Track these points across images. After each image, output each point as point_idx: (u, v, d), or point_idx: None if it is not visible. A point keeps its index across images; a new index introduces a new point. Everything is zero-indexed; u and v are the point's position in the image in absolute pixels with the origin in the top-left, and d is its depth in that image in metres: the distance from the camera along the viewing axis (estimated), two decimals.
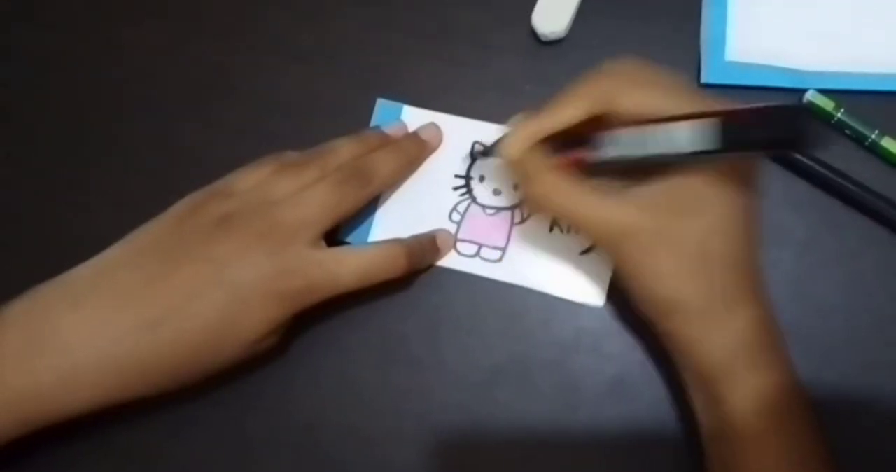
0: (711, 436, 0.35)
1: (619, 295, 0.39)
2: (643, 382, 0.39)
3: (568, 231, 0.40)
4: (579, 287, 0.40)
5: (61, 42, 0.46)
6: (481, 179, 0.41)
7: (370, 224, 0.41)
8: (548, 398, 0.39)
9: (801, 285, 0.40)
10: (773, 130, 0.28)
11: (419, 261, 0.39)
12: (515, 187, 0.41)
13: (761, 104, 0.29)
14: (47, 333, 0.34)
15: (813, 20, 0.41)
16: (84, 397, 0.34)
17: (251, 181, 0.37)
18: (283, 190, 0.36)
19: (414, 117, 0.42)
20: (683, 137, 0.30)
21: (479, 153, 0.41)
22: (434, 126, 0.41)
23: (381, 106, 0.42)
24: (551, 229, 0.40)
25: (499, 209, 0.41)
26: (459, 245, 0.41)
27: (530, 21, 0.42)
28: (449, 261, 0.41)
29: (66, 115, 0.45)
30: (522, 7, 0.42)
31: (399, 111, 0.42)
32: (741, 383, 0.33)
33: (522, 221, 0.41)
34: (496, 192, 0.41)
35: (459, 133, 0.41)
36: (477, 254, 0.41)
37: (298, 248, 0.36)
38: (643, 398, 0.39)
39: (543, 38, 0.42)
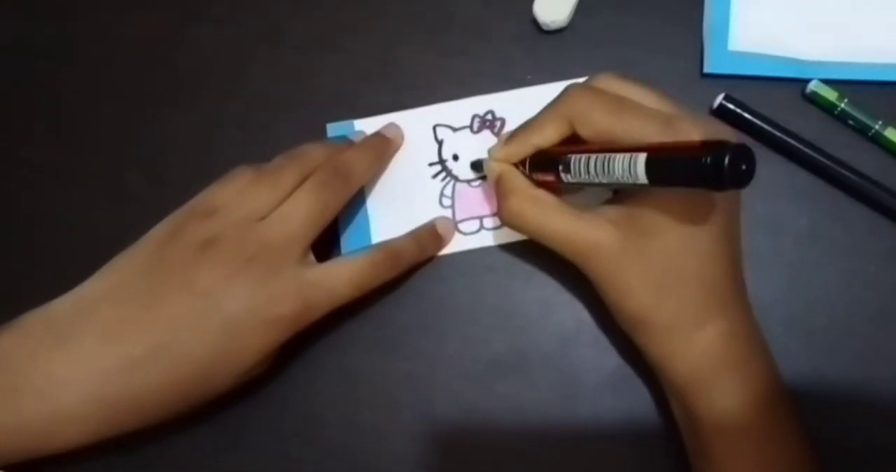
0: (689, 443, 0.35)
1: None
2: (643, 374, 0.39)
3: None
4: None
5: (52, 33, 0.45)
6: (455, 157, 0.41)
7: (368, 232, 0.41)
8: (548, 389, 0.39)
9: (803, 276, 0.39)
10: (696, 168, 0.27)
11: (416, 256, 0.39)
12: (490, 153, 0.41)
13: (699, 140, 0.28)
14: (32, 374, 0.33)
15: (817, 9, 0.41)
16: (71, 435, 0.33)
17: (229, 195, 0.36)
18: (265, 202, 0.35)
19: (368, 126, 0.42)
20: (618, 170, 0.30)
21: (472, 166, 0.41)
22: (393, 125, 0.41)
23: (333, 128, 0.42)
24: None
25: (483, 178, 0.41)
26: (461, 226, 0.41)
27: (531, 10, 0.42)
28: (456, 245, 0.41)
29: (58, 107, 0.44)
30: None
31: (351, 127, 0.42)
32: (709, 398, 0.33)
33: None
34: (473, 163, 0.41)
35: (418, 124, 0.42)
36: (480, 228, 0.41)
37: (289, 269, 0.35)
38: (643, 391, 0.39)
39: (545, 28, 0.42)
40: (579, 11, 0.42)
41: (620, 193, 0.35)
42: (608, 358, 0.39)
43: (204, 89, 0.44)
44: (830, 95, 0.39)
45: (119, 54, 0.45)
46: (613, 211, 0.34)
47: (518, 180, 0.36)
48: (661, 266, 0.33)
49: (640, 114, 0.32)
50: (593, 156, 0.31)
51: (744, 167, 0.27)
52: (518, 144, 0.36)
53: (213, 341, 0.34)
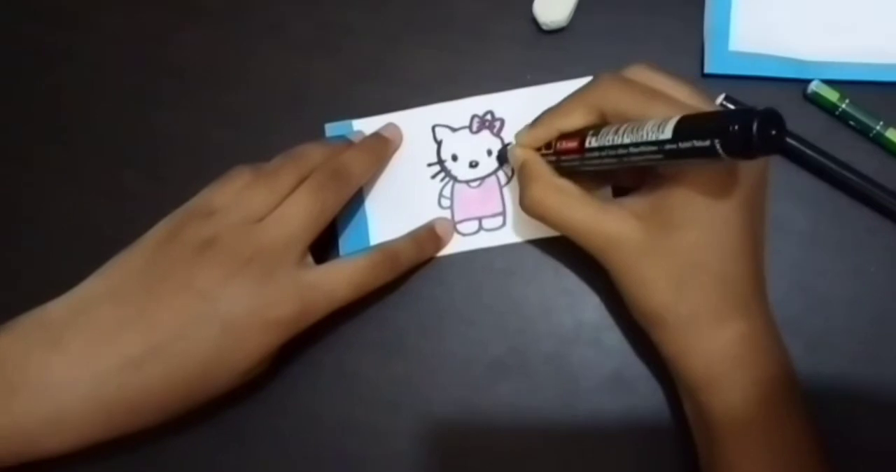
0: (699, 440, 0.35)
1: None
2: (643, 375, 0.39)
3: None
4: None
5: (56, 27, 0.45)
6: (454, 158, 0.41)
7: (367, 234, 0.41)
8: (547, 390, 0.39)
9: (804, 276, 0.39)
10: (722, 124, 0.27)
11: (415, 257, 0.39)
12: (489, 153, 0.41)
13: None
14: (28, 376, 0.33)
15: (818, 9, 0.41)
16: (68, 438, 0.33)
17: (227, 195, 0.36)
18: (263, 203, 0.35)
19: (367, 126, 0.42)
20: (648, 128, 0.30)
21: (498, 158, 0.41)
22: (392, 125, 0.41)
23: (331, 128, 0.42)
24: None
25: (482, 179, 0.41)
26: (460, 227, 0.41)
27: (531, 10, 0.41)
28: (455, 246, 0.40)
29: (57, 105, 0.44)
30: None
31: (350, 127, 0.42)
32: (724, 397, 0.33)
33: (508, 180, 0.41)
34: (472, 164, 0.41)
35: (417, 124, 0.42)
36: (479, 229, 0.41)
37: (288, 270, 0.35)
38: (643, 391, 0.39)
39: (545, 28, 0.42)
40: (579, 11, 0.42)
41: (645, 186, 0.34)
42: (608, 359, 0.39)
43: (202, 87, 0.44)
44: (832, 95, 0.39)
45: (117, 52, 0.45)
46: (637, 203, 0.33)
47: (542, 169, 0.35)
48: (683, 262, 0.32)
49: (672, 105, 0.31)
50: (626, 123, 0.31)
51: (773, 132, 0.26)
52: (543, 127, 0.35)
53: (212, 342, 0.33)
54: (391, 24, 0.43)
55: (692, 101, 0.32)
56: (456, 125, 0.41)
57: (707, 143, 0.27)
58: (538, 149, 0.36)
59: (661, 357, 0.35)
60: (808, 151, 0.39)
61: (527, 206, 0.35)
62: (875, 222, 0.39)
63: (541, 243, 0.40)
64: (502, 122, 0.41)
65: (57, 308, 0.35)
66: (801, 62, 0.40)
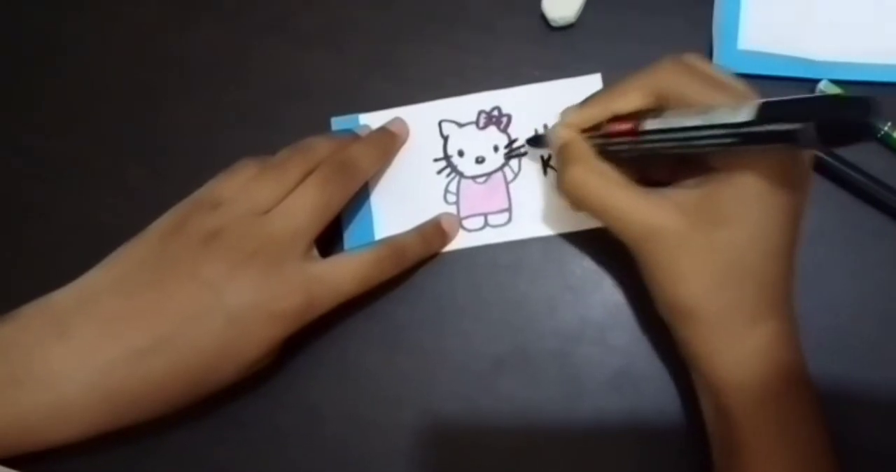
0: (716, 442, 0.34)
1: (625, 286, 0.39)
2: (648, 374, 0.39)
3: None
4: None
5: (60, 20, 0.45)
6: (460, 153, 0.41)
7: (372, 228, 0.41)
8: (551, 388, 0.39)
9: (811, 277, 0.39)
10: (811, 108, 0.26)
11: (421, 252, 0.39)
12: (495, 149, 0.41)
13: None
14: (32, 365, 0.33)
15: (828, 9, 0.41)
16: (71, 428, 0.33)
17: (234, 187, 0.36)
18: (269, 195, 0.35)
19: (373, 121, 0.41)
20: (721, 111, 0.29)
21: (529, 141, 0.40)
22: (399, 120, 0.41)
23: (338, 122, 0.42)
24: (545, 173, 0.40)
25: (488, 175, 0.41)
26: (465, 222, 0.41)
27: (540, 6, 0.41)
28: (460, 241, 0.40)
29: (61, 96, 0.44)
30: None
31: (356, 121, 0.42)
32: (751, 399, 0.32)
33: (515, 177, 0.41)
34: (479, 160, 0.41)
35: (424, 119, 0.41)
36: (485, 225, 0.40)
37: (293, 263, 0.34)
38: (647, 390, 0.38)
39: (553, 24, 0.41)
40: (588, 7, 0.42)
41: (688, 179, 0.33)
42: (612, 357, 0.39)
43: (207, 81, 0.44)
44: None
45: (123, 45, 0.45)
46: (681, 195, 0.32)
47: (585, 150, 0.34)
48: (725, 259, 0.31)
49: (738, 97, 0.30)
50: (692, 108, 0.30)
51: (867, 121, 0.26)
52: (597, 107, 0.34)
53: (218, 334, 0.33)
54: (398, 19, 0.43)
55: (750, 95, 0.31)
56: (463, 121, 0.41)
57: (798, 126, 0.26)
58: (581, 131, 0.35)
59: (681, 355, 0.35)
60: (815, 152, 0.39)
61: (566, 187, 0.34)
62: (882, 224, 0.39)
63: (546, 240, 0.40)
64: (509, 118, 0.41)
65: (62, 298, 0.34)
66: (809, 62, 0.40)
